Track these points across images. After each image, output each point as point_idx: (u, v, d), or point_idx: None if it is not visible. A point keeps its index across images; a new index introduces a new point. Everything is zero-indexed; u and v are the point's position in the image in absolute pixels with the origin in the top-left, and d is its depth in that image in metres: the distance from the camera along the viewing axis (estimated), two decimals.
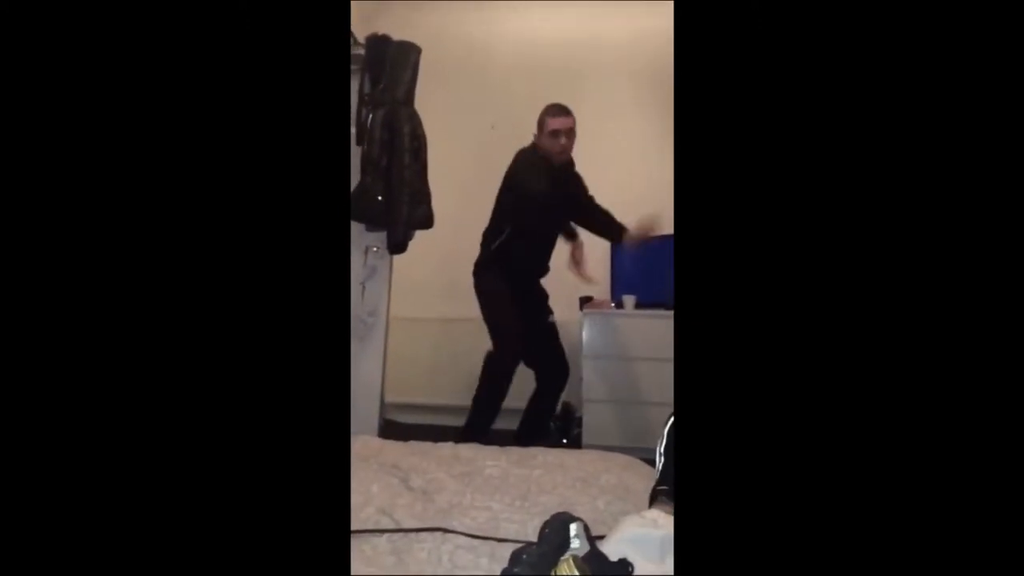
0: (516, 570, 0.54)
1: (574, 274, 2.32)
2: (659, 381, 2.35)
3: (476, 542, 0.79)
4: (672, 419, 0.81)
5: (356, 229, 2.09)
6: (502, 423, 2.14)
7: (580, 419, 2.68)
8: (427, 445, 1.32)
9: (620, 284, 2.83)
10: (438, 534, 0.81)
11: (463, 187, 2.33)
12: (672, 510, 0.68)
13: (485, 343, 2.21)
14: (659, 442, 0.82)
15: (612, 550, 0.59)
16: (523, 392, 2.32)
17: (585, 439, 2.54)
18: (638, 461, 1.20)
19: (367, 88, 2.10)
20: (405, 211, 2.01)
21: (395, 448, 1.28)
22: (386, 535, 0.82)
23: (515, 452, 1.24)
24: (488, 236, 2.25)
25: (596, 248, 2.96)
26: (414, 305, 2.66)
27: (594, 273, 2.97)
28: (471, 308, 2.24)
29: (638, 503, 0.88)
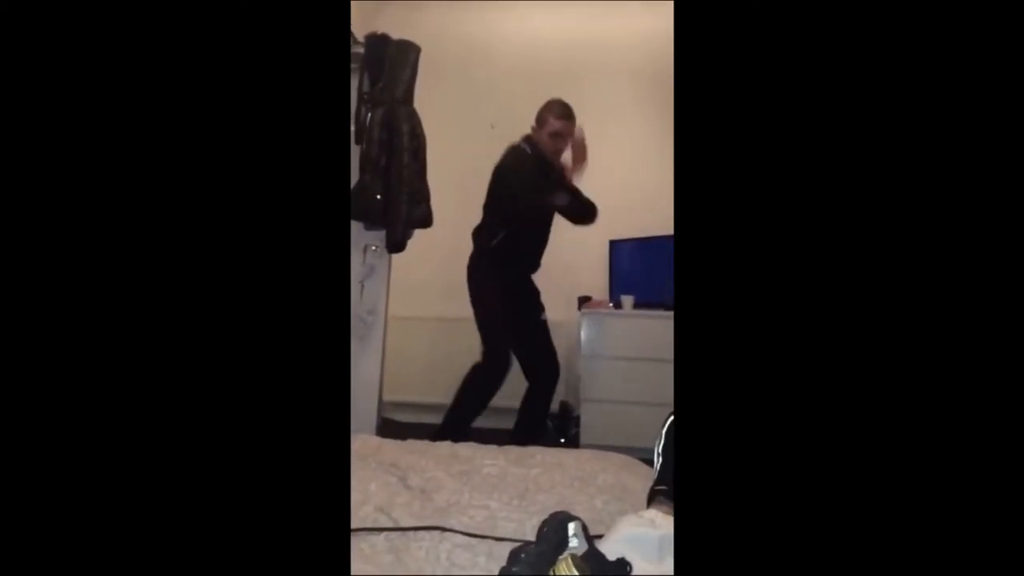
0: (514, 569, 0.54)
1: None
2: (657, 381, 2.35)
3: (474, 541, 0.79)
4: (670, 419, 0.82)
5: (355, 228, 2.09)
6: (499, 422, 2.14)
7: (578, 418, 2.69)
8: (425, 444, 1.32)
9: (618, 284, 2.84)
10: (436, 533, 0.81)
11: (462, 187, 2.33)
12: (670, 510, 0.68)
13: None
14: (657, 442, 0.82)
15: (610, 549, 0.59)
16: (518, 391, 2.31)
17: (583, 439, 2.55)
18: (636, 461, 1.21)
19: (366, 87, 2.10)
20: (404, 210, 2.01)
21: (393, 447, 1.28)
22: (384, 533, 0.82)
23: (513, 451, 1.25)
24: (479, 233, 2.22)
25: (596, 248, 2.97)
26: (413, 304, 2.66)
27: (591, 273, 2.99)
28: (469, 308, 2.24)
29: (636, 503, 0.88)
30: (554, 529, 0.58)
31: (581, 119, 2.24)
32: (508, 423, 2.31)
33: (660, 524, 0.63)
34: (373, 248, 2.14)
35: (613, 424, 2.49)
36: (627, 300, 2.66)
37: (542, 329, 2.30)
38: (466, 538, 0.80)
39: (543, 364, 2.29)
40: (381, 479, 1.04)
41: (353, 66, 2.11)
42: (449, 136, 2.19)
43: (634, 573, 0.57)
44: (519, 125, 2.29)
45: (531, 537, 0.60)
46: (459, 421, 2.10)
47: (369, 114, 2.05)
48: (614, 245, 2.94)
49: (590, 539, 0.59)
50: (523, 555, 0.55)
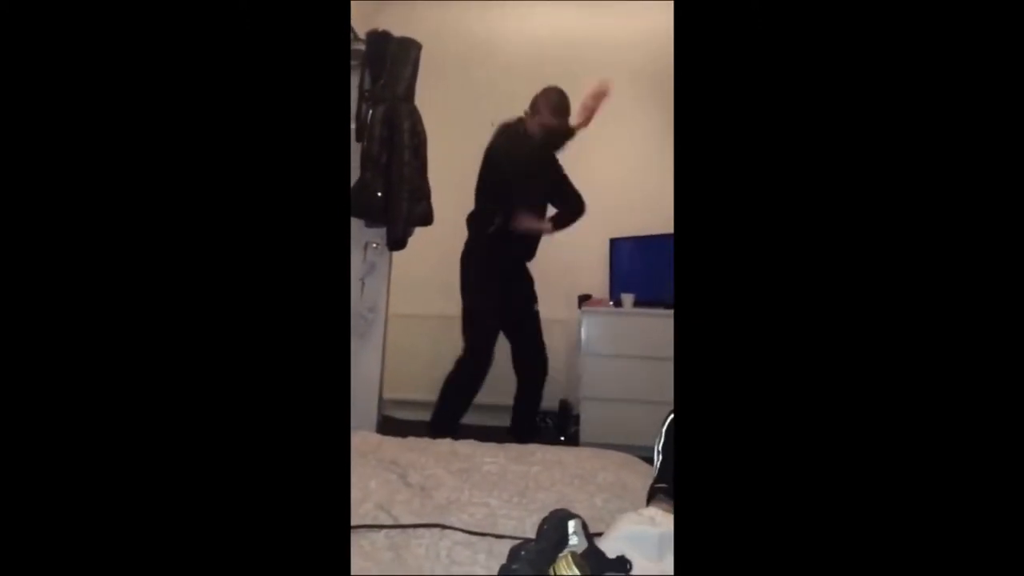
0: (514, 566, 0.54)
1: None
2: (657, 379, 2.35)
3: (474, 538, 0.80)
4: (670, 417, 0.82)
5: (356, 225, 2.09)
6: (499, 420, 2.14)
7: (577, 417, 2.69)
8: (425, 441, 1.32)
9: (618, 282, 2.84)
10: (436, 530, 0.82)
11: (463, 184, 2.33)
12: (670, 508, 0.68)
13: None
14: (657, 440, 0.82)
15: (610, 547, 0.59)
16: (512, 390, 2.30)
17: (583, 437, 2.55)
18: (635, 459, 1.21)
19: (367, 84, 2.10)
20: (405, 208, 2.01)
21: (393, 444, 1.28)
22: (384, 531, 0.82)
23: (513, 449, 1.25)
24: (473, 220, 2.17)
25: (596, 246, 2.97)
26: (413, 302, 2.66)
27: (592, 272, 2.99)
28: None
29: (636, 501, 0.88)
30: (554, 527, 0.58)
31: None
32: (507, 420, 2.31)
33: (660, 522, 0.63)
34: (374, 245, 2.14)
35: (613, 422, 2.50)
36: (627, 298, 2.66)
37: (534, 320, 2.24)
38: (466, 535, 0.80)
39: (532, 357, 2.23)
40: (381, 476, 1.04)
41: (354, 63, 2.10)
42: (450, 134, 2.19)
43: (634, 571, 0.58)
44: None
45: (531, 535, 0.60)
46: (445, 419, 2.07)
47: (370, 111, 2.05)
48: (614, 243, 2.94)
49: (590, 537, 0.59)
50: (523, 553, 0.55)
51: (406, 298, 2.52)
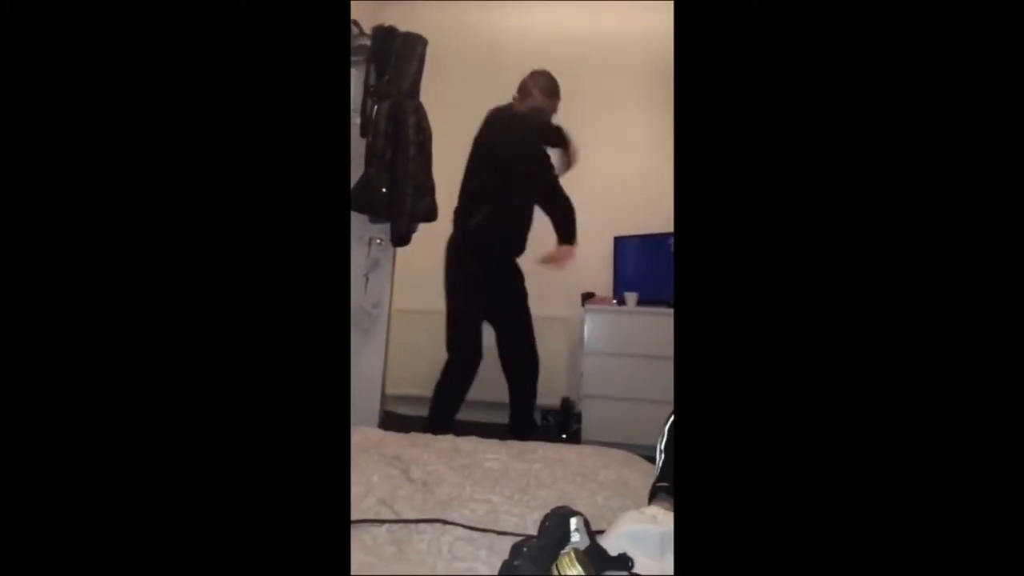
0: (517, 563, 0.54)
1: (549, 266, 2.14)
2: (660, 378, 2.35)
3: (476, 534, 0.80)
4: (673, 416, 0.82)
5: (360, 221, 2.09)
6: (501, 418, 2.13)
7: (579, 415, 2.69)
8: (427, 437, 1.32)
9: (622, 281, 2.83)
10: (438, 525, 0.82)
11: None
12: (672, 506, 0.68)
13: (487, 337, 2.19)
14: (659, 439, 0.82)
15: (611, 545, 0.59)
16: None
17: (585, 435, 2.55)
18: (637, 457, 1.21)
19: (373, 80, 2.10)
20: (409, 203, 2.01)
21: (396, 440, 1.28)
22: (386, 525, 0.82)
23: (515, 446, 1.25)
24: (461, 212, 2.09)
25: (599, 244, 2.97)
26: (417, 297, 2.66)
27: (596, 270, 2.98)
28: None
29: (637, 499, 0.89)
30: (556, 524, 0.58)
31: (587, 114, 2.22)
32: (503, 418, 2.30)
33: (662, 520, 0.63)
34: (378, 241, 2.15)
35: (615, 421, 2.50)
36: (631, 297, 2.66)
37: (523, 318, 2.15)
38: (468, 531, 0.81)
39: (519, 356, 2.15)
40: (383, 472, 1.04)
41: (360, 59, 2.10)
42: (454, 130, 2.19)
43: (635, 569, 0.58)
44: None
45: (533, 532, 0.60)
46: (439, 420, 2.02)
47: (375, 107, 2.05)
48: (618, 242, 2.93)
49: (592, 535, 0.60)
50: (525, 549, 0.55)
51: (410, 294, 2.52)
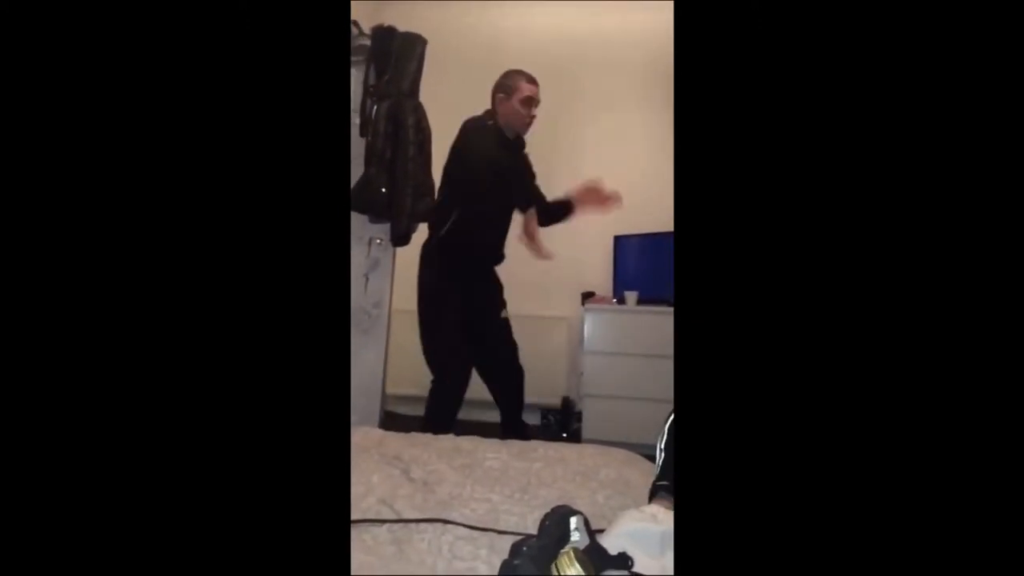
0: (516, 562, 0.54)
1: (526, 246, 1.98)
2: (660, 377, 2.35)
3: (476, 533, 0.80)
4: (673, 415, 0.82)
5: (360, 221, 2.10)
6: (496, 417, 2.12)
7: (580, 414, 2.70)
8: (428, 437, 1.32)
9: (622, 280, 2.84)
10: (438, 525, 0.82)
11: None
12: (672, 505, 0.68)
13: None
14: (659, 438, 0.82)
15: (612, 544, 0.59)
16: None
17: (585, 434, 2.55)
18: (638, 456, 1.21)
19: (372, 79, 2.10)
20: (409, 203, 2.01)
21: (396, 439, 1.28)
22: (386, 525, 0.82)
23: (515, 445, 1.25)
24: (438, 220, 1.97)
25: (600, 243, 2.97)
26: (416, 298, 2.66)
27: (596, 269, 2.98)
28: None
29: (638, 498, 0.89)
30: (556, 523, 0.58)
31: (588, 114, 2.22)
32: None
33: (662, 519, 0.63)
34: (378, 241, 2.15)
35: (615, 420, 2.50)
36: (631, 296, 2.66)
37: (502, 330, 2.02)
38: (468, 530, 0.81)
39: (501, 369, 2.02)
40: (384, 471, 1.04)
41: (360, 58, 2.11)
42: (454, 130, 2.19)
43: (635, 568, 0.58)
44: None
45: (533, 531, 0.60)
46: (436, 414, 1.92)
47: (375, 107, 2.06)
48: (619, 241, 2.93)
49: (592, 533, 0.60)
50: (525, 548, 0.55)
51: (410, 294, 2.51)
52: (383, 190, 2.00)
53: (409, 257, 2.27)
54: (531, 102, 1.95)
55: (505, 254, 2.06)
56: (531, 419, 2.64)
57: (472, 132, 1.92)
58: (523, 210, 2.01)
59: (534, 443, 1.29)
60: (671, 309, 2.47)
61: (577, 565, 0.53)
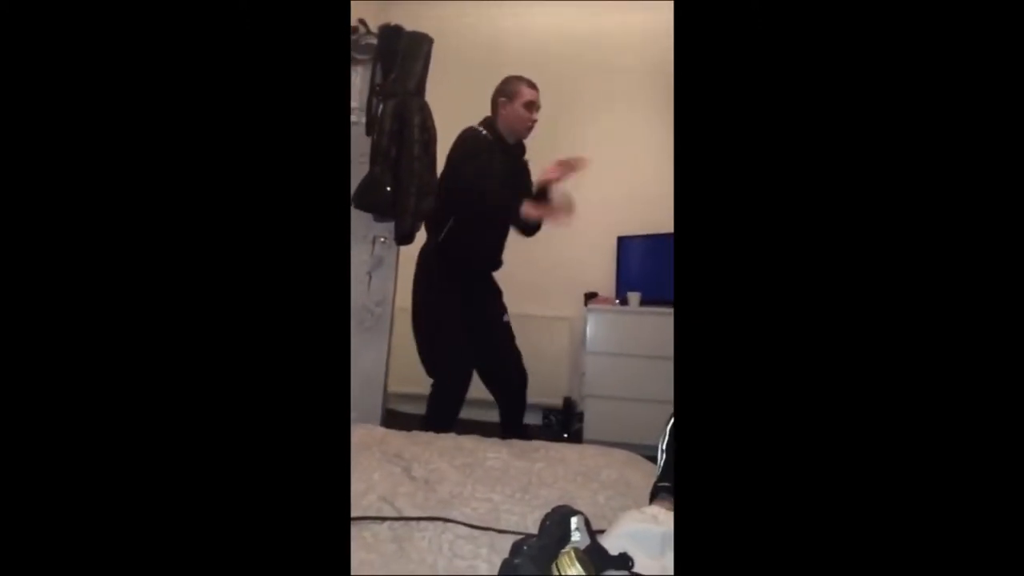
0: (517, 561, 0.54)
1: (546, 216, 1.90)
2: (662, 378, 2.34)
3: (476, 532, 0.80)
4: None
5: (364, 219, 2.10)
6: (497, 417, 2.12)
7: (581, 414, 2.70)
8: (429, 435, 1.32)
9: (625, 281, 2.83)
10: (439, 523, 0.82)
11: None
12: (673, 506, 0.68)
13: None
14: (661, 439, 0.82)
15: (612, 545, 0.60)
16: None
17: (586, 434, 2.55)
18: (639, 457, 1.21)
19: (378, 78, 2.10)
20: (413, 202, 2.01)
21: (398, 437, 1.29)
22: (387, 523, 0.83)
23: (516, 445, 1.25)
24: (435, 225, 1.97)
25: (603, 244, 2.97)
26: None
27: (599, 270, 2.98)
28: None
29: (639, 499, 0.89)
30: (557, 523, 0.58)
31: (592, 114, 2.21)
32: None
33: (663, 520, 0.63)
34: (382, 240, 2.15)
35: (617, 420, 2.50)
36: (634, 297, 2.66)
37: (504, 334, 2.00)
38: (469, 530, 0.81)
39: (507, 374, 2.00)
40: (385, 469, 1.05)
41: (366, 57, 2.11)
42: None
43: (636, 569, 0.58)
44: None
45: (533, 530, 0.61)
46: (437, 417, 1.90)
47: (381, 105, 2.06)
48: (622, 241, 2.93)
49: (593, 534, 0.60)
50: (526, 548, 0.55)
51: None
52: (388, 189, 2.00)
53: (413, 256, 2.27)
54: (533, 106, 1.96)
55: (503, 260, 2.06)
56: (532, 419, 2.65)
57: (468, 142, 1.92)
58: (516, 225, 1.98)
59: (535, 443, 1.29)
60: (673, 310, 2.46)
61: (577, 565, 0.53)
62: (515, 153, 2.01)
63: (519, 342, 2.05)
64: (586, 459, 1.15)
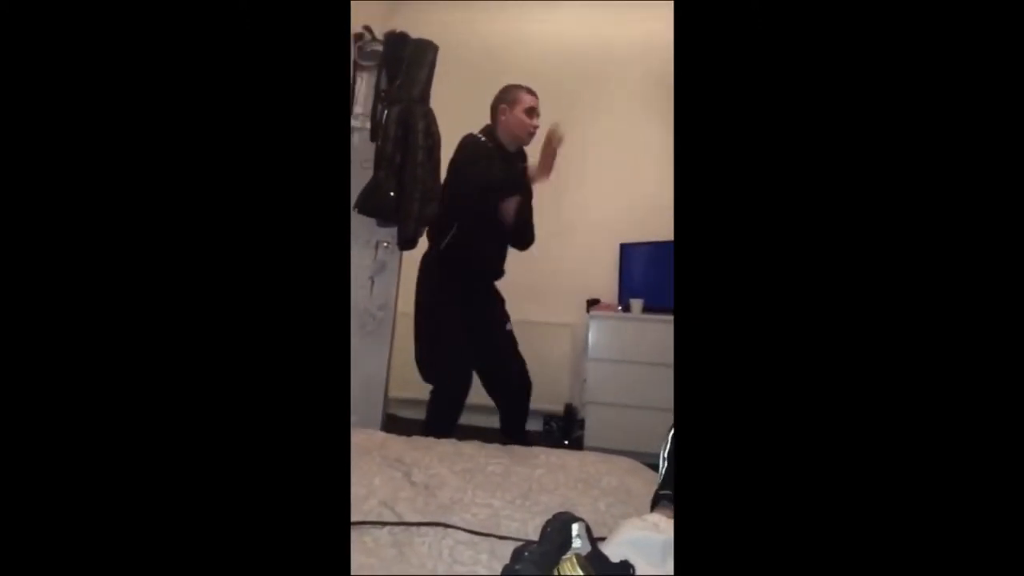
0: (518, 567, 0.54)
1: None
2: (664, 385, 2.33)
3: (477, 538, 0.80)
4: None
5: (367, 224, 2.11)
6: (498, 422, 2.11)
7: (582, 421, 2.69)
8: (429, 440, 1.32)
9: (628, 287, 2.83)
10: (439, 529, 0.82)
11: None
12: (674, 514, 0.68)
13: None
14: (663, 446, 0.82)
15: (613, 552, 0.59)
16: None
17: (587, 441, 2.54)
18: (640, 465, 1.21)
19: (384, 84, 2.11)
20: (416, 208, 2.02)
21: (398, 442, 1.29)
22: (387, 527, 0.83)
23: (517, 451, 1.25)
24: (438, 232, 1.96)
25: (606, 251, 2.97)
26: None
27: (601, 276, 2.98)
28: None
29: (639, 506, 0.88)
30: (558, 529, 0.58)
31: (595, 121, 2.21)
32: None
33: (664, 528, 0.62)
34: (385, 244, 2.16)
35: (618, 427, 2.49)
36: (636, 304, 2.66)
37: (509, 342, 1.99)
38: (469, 535, 0.81)
39: (508, 381, 1.98)
40: (385, 474, 1.04)
41: (372, 64, 2.12)
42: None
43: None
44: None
45: (534, 537, 0.60)
46: (437, 423, 1.88)
47: (385, 112, 2.07)
48: (624, 248, 2.93)
49: (594, 541, 0.59)
50: (527, 554, 0.55)
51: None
52: (391, 194, 2.01)
53: (415, 261, 2.27)
54: (533, 112, 1.96)
55: (505, 270, 2.06)
56: (533, 425, 2.64)
57: (469, 148, 1.92)
58: (511, 229, 1.97)
59: (536, 449, 1.29)
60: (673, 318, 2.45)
61: (579, 570, 0.53)
62: (516, 161, 2.01)
63: (521, 348, 2.04)
64: (587, 466, 1.14)
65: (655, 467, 0.87)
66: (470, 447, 1.26)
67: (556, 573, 0.53)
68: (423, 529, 0.82)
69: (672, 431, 0.81)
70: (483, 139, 1.95)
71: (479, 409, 2.22)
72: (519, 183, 1.93)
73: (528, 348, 2.08)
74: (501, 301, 2.04)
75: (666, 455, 0.80)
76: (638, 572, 0.58)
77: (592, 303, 2.81)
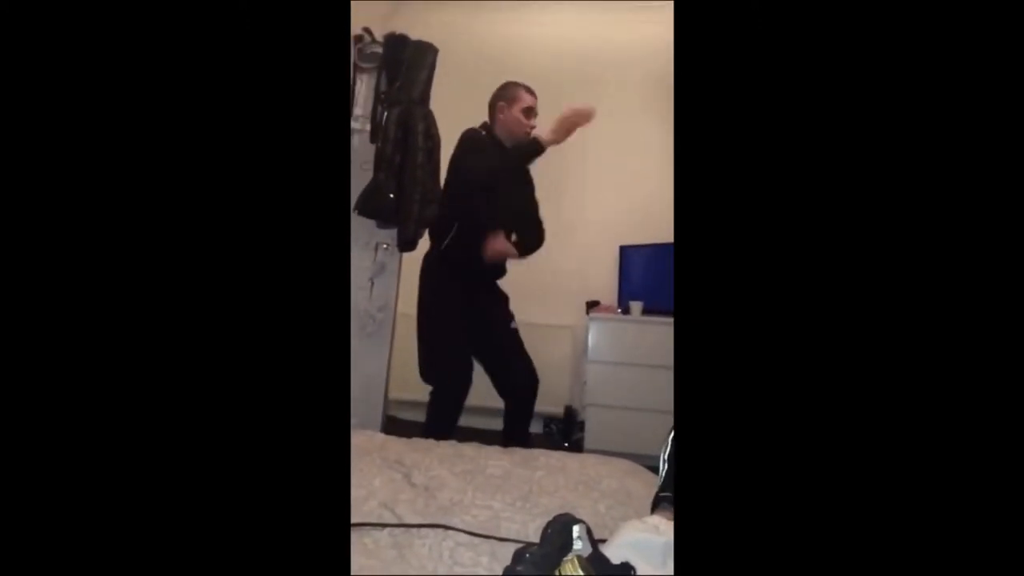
0: (519, 568, 0.54)
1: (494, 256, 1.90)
2: (664, 387, 2.34)
3: (477, 540, 0.80)
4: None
5: (367, 225, 2.11)
6: (499, 424, 2.11)
7: (582, 423, 2.69)
8: (429, 442, 1.32)
9: (627, 290, 2.84)
10: (439, 530, 0.82)
11: None
12: (674, 516, 0.68)
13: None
14: (663, 448, 0.82)
15: (614, 554, 0.59)
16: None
17: (588, 443, 2.54)
18: (640, 467, 1.20)
19: (383, 86, 2.12)
20: (416, 209, 2.02)
21: (398, 444, 1.28)
22: (387, 529, 0.82)
23: (517, 453, 1.25)
24: (439, 230, 1.96)
25: (605, 253, 2.97)
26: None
27: (601, 278, 2.98)
28: None
29: (640, 509, 0.88)
30: (558, 531, 0.58)
31: (595, 122, 2.19)
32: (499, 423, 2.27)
33: (664, 530, 0.62)
34: (384, 246, 2.16)
35: (618, 430, 2.49)
36: (636, 306, 2.66)
37: (512, 339, 1.98)
38: (469, 537, 0.80)
39: (512, 381, 1.97)
40: (386, 475, 1.04)
41: (372, 65, 2.13)
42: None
43: None
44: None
45: (534, 539, 0.60)
46: (436, 424, 1.88)
47: (385, 113, 2.07)
48: (624, 251, 2.94)
49: (594, 543, 0.59)
50: (528, 555, 0.55)
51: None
52: (391, 195, 2.02)
53: (415, 262, 2.28)
54: (531, 112, 1.95)
55: (507, 268, 2.05)
56: (534, 427, 2.64)
57: (469, 142, 1.90)
58: (508, 232, 1.96)
59: (536, 451, 1.28)
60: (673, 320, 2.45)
61: (580, 571, 0.53)
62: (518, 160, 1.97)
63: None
64: (587, 468, 1.14)
65: (655, 469, 0.86)
66: (470, 448, 1.26)
67: (557, 574, 0.53)
68: (423, 531, 0.82)
69: (672, 433, 0.81)
70: (483, 133, 1.93)
71: (479, 411, 2.22)
72: (518, 183, 1.92)
73: (528, 350, 2.07)
74: (505, 299, 2.03)
75: (666, 457, 0.80)
76: (639, 574, 0.58)
77: (592, 305, 2.81)
